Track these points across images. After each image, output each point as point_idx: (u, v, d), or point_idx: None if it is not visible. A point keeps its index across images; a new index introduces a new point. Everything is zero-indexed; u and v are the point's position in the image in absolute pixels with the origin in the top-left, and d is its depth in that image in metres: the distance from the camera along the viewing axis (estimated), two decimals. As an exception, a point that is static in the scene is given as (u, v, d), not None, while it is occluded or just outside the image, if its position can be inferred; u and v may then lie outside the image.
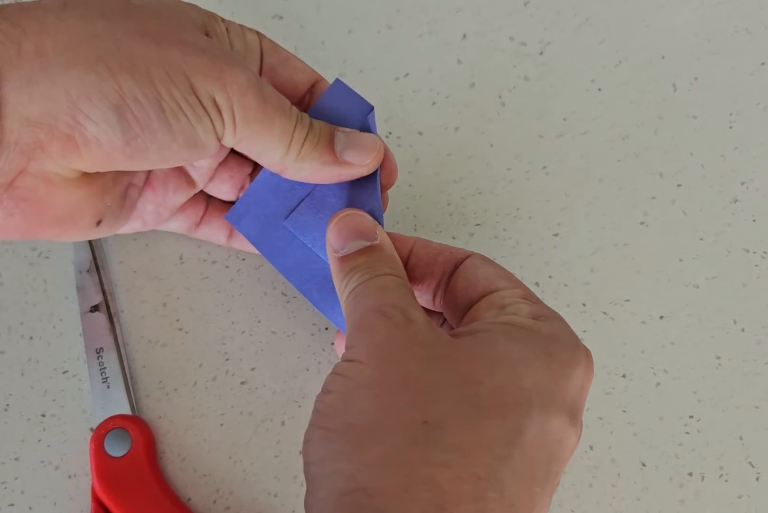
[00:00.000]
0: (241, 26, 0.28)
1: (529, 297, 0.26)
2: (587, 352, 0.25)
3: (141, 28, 0.24)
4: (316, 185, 0.29)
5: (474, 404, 0.21)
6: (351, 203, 0.28)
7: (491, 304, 0.25)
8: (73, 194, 0.25)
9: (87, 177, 0.25)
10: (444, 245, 0.28)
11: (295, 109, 0.26)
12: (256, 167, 0.32)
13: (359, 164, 0.27)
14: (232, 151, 0.31)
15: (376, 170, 0.28)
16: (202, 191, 0.32)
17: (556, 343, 0.24)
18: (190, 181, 0.31)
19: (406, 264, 0.28)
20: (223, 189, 0.32)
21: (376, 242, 0.26)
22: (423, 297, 0.28)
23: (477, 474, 0.21)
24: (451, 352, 0.23)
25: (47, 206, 0.25)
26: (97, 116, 0.23)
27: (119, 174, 0.28)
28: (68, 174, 0.24)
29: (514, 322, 0.24)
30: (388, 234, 0.28)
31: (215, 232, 0.33)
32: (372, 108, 0.28)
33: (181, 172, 0.31)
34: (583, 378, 0.24)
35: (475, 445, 0.21)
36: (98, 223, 0.28)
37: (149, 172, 0.30)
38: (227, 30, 0.28)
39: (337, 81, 0.28)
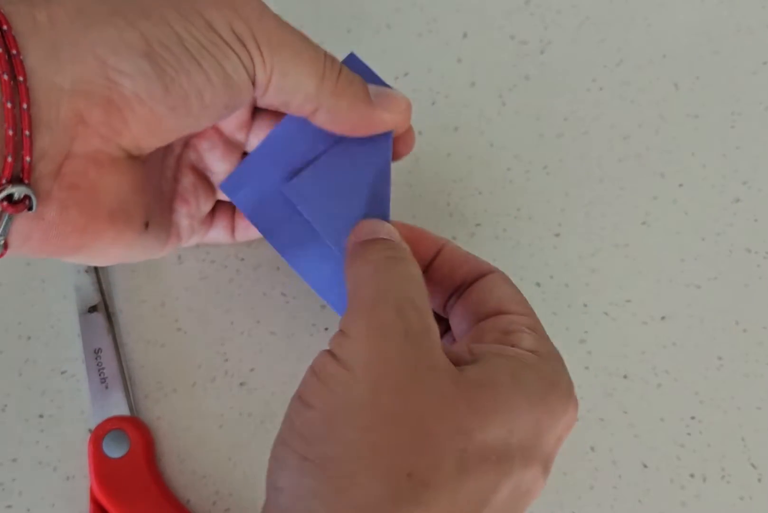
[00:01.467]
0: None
1: (536, 328, 0.25)
2: (576, 404, 0.25)
3: None
4: (321, 155, 0.27)
5: (459, 460, 0.21)
6: (359, 178, 0.27)
7: (496, 325, 0.25)
8: (123, 179, 0.24)
9: (132, 161, 0.24)
10: (472, 255, 0.28)
11: (319, 47, 0.25)
12: None
13: (395, 112, 0.26)
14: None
15: (389, 157, 0.27)
16: None
17: (553, 391, 0.23)
18: (213, 188, 0.31)
19: (431, 263, 0.27)
20: None
21: (396, 241, 0.25)
22: (435, 301, 0.28)
23: None
24: (454, 392, 0.21)
25: (101, 193, 0.23)
26: (130, 68, 0.22)
27: (153, 169, 0.27)
28: (115, 152, 0.23)
29: (520, 359, 0.23)
30: (422, 230, 0.27)
31: (221, 232, 0.32)
32: (389, 88, 0.27)
33: (206, 179, 0.30)
34: (564, 428, 0.24)
35: (452, 505, 0.20)
36: (146, 225, 0.26)
37: (177, 184, 0.29)
38: None
39: (352, 55, 0.27)
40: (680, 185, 0.36)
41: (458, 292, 0.27)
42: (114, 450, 0.31)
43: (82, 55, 0.21)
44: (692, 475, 0.33)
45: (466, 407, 0.21)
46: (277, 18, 0.24)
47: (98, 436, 0.31)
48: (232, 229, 0.32)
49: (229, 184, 0.29)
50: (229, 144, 0.30)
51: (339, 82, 0.25)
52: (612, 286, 0.35)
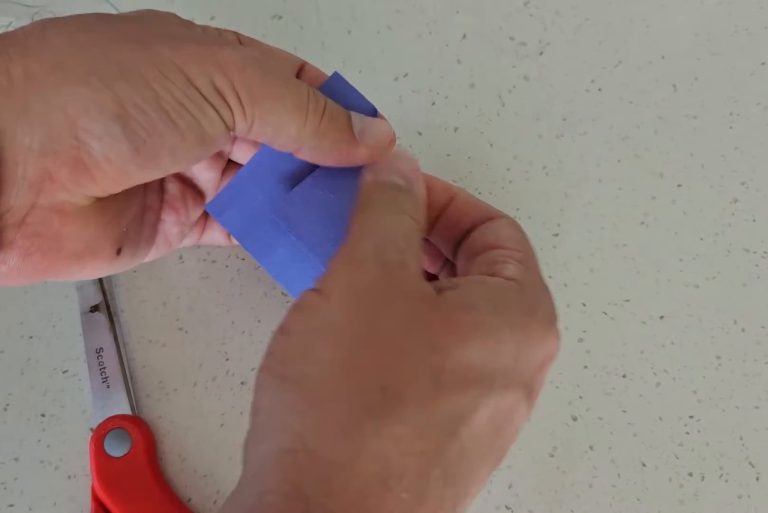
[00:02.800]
0: (217, 29, 0.28)
1: (525, 261, 0.25)
2: (557, 333, 0.24)
3: (124, 34, 0.23)
4: (307, 175, 0.27)
5: (435, 377, 0.21)
6: (346, 196, 0.27)
7: (486, 258, 0.25)
8: (89, 223, 0.24)
9: (100, 203, 0.24)
10: (484, 203, 0.28)
11: (305, 84, 0.25)
12: None
13: (378, 146, 0.26)
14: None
15: None
16: None
17: (533, 315, 0.23)
18: (201, 193, 0.31)
19: (443, 209, 0.27)
20: None
21: (413, 189, 0.25)
22: (445, 245, 0.28)
23: (424, 450, 0.20)
24: (429, 313, 0.22)
25: (64, 240, 0.24)
26: (100, 130, 0.22)
27: (130, 195, 0.27)
28: (81, 201, 0.23)
29: (500, 285, 0.23)
30: (434, 177, 0.27)
31: (217, 234, 0.33)
32: (375, 109, 0.27)
33: (193, 186, 0.31)
34: (546, 355, 0.24)
35: (428, 420, 0.21)
36: (119, 251, 0.27)
37: (164, 193, 0.30)
38: (204, 31, 0.27)
39: (336, 75, 0.27)
40: (679, 185, 0.36)
41: (466, 236, 0.27)
42: (115, 449, 0.31)
43: (53, 114, 0.22)
44: (691, 474, 0.33)
45: (441, 326, 0.21)
46: (260, 69, 0.24)
47: (100, 435, 0.31)
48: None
49: (214, 206, 0.29)
50: (215, 153, 0.30)
51: (322, 123, 0.25)
52: (611, 286, 0.35)
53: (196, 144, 0.24)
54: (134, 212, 0.28)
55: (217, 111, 0.23)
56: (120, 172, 0.23)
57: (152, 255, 0.30)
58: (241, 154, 0.31)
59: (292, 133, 0.25)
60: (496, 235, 0.26)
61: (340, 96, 0.27)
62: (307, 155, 0.26)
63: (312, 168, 0.27)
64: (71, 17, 0.24)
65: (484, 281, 0.24)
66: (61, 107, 0.22)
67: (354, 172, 0.27)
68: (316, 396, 0.20)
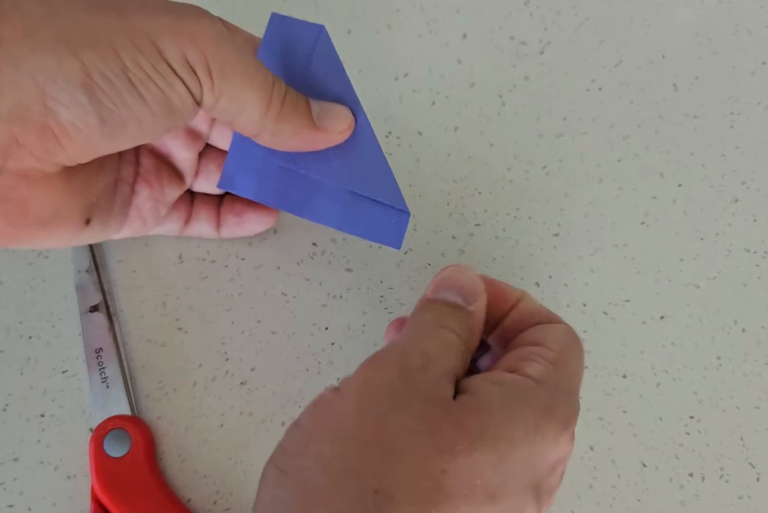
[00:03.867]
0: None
1: (556, 363, 0.24)
2: (571, 437, 0.24)
3: (101, 1, 0.23)
4: None
5: (436, 481, 0.20)
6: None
7: (517, 353, 0.25)
8: (56, 190, 0.25)
9: (68, 171, 0.25)
10: (545, 308, 0.27)
11: (270, 73, 0.25)
12: None
13: (336, 130, 0.27)
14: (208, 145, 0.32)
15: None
16: (186, 190, 0.32)
17: (548, 417, 0.23)
18: (180, 174, 0.31)
19: (506, 314, 0.27)
20: (213, 181, 0.32)
21: (470, 308, 0.25)
22: (500, 347, 0.27)
23: None
24: (440, 415, 0.21)
25: (30, 205, 0.24)
26: (67, 99, 0.22)
27: (102, 165, 0.27)
28: (49, 168, 0.24)
29: (516, 383, 0.23)
30: (501, 283, 0.27)
31: (204, 226, 0.33)
32: (322, 27, 0.28)
33: (169, 164, 0.31)
34: (557, 460, 0.23)
35: None
36: (87, 221, 0.27)
37: (139, 166, 0.30)
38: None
39: (274, 15, 0.28)
40: (679, 185, 0.36)
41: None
42: (115, 449, 0.31)
43: (22, 80, 0.22)
44: (691, 475, 0.33)
45: (451, 429, 0.21)
46: (234, 46, 0.24)
47: (99, 435, 0.31)
48: (217, 224, 0.33)
49: (224, 180, 0.30)
50: (191, 133, 0.30)
51: (283, 108, 0.25)
52: (611, 286, 0.35)
53: (162, 116, 0.24)
54: (106, 183, 0.28)
55: (185, 84, 0.23)
56: (87, 140, 0.23)
57: (126, 231, 0.30)
58: (220, 139, 0.31)
59: (254, 116, 0.25)
60: (543, 334, 0.25)
61: (287, 33, 0.28)
62: (267, 140, 0.27)
63: None
64: None
65: (499, 380, 0.23)
66: (31, 74, 0.22)
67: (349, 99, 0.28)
68: (310, 495, 0.20)
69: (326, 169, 0.28)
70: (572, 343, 0.26)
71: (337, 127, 0.27)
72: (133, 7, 0.23)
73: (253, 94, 0.25)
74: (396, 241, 0.29)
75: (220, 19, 0.27)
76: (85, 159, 0.24)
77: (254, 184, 0.30)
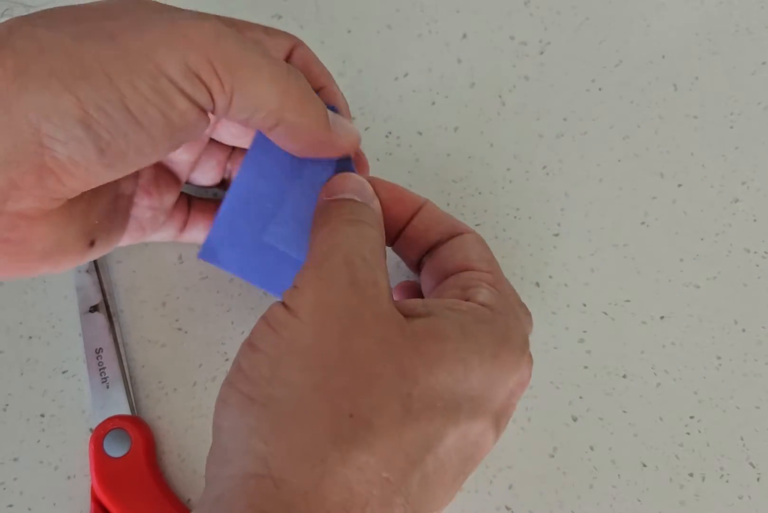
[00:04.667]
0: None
1: (496, 284, 0.25)
2: (530, 360, 0.24)
3: (90, 27, 0.22)
4: (286, 195, 0.28)
5: (404, 404, 0.21)
6: None
7: (457, 282, 0.25)
8: (57, 224, 0.24)
9: (68, 202, 0.24)
10: (450, 216, 0.28)
11: (281, 59, 0.25)
12: (234, 148, 0.32)
13: (347, 140, 0.26)
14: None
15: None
16: (183, 195, 0.32)
17: (505, 344, 0.23)
18: (176, 176, 0.31)
19: (408, 222, 0.27)
20: (208, 176, 0.32)
21: (370, 204, 0.26)
22: (409, 258, 0.28)
23: (388, 478, 0.20)
24: (399, 339, 0.22)
25: (32, 242, 0.24)
26: (63, 135, 0.21)
27: (100, 188, 0.26)
28: (49, 206, 0.23)
29: (472, 312, 0.23)
30: (402, 189, 0.27)
31: (201, 234, 0.32)
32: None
33: (167, 169, 0.30)
34: (517, 383, 0.24)
35: (393, 448, 0.21)
36: (91, 243, 0.26)
37: (138, 178, 0.29)
38: (179, 11, 0.26)
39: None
40: (679, 185, 0.36)
41: (431, 251, 0.27)
42: (115, 449, 0.31)
43: (16, 122, 0.21)
44: (691, 475, 0.33)
45: (411, 352, 0.21)
46: (235, 36, 0.23)
47: (99, 435, 0.31)
48: None
49: (206, 252, 0.29)
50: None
51: (303, 99, 0.25)
52: (611, 286, 0.35)
53: (164, 139, 0.23)
54: (106, 202, 0.27)
55: (190, 98, 0.23)
56: (88, 173, 0.23)
57: (125, 240, 0.30)
58: (224, 133, 0.30)
59: (272, 106, 0.24)
60: (465, 255, 0.26)
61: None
62: (281, 134, 0.25)
63: (287, 189, 0.28)
64: (37, 14, 0.23)
65: (456, 308, 0.24)
66: (24, 115, 0.21)
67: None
68: (283, 421, 0.20)
69: None
70: (492, 254, 0.27)
71: (348, 136, 0.26)
72: (122, 25, 0.22)
73: (268, 83, 0.23)
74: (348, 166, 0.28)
75: (218, 17, 0.27)
76: (86, 189, 0.24)
77: (238, 259, 0.28)
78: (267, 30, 0.28)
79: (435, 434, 0.21)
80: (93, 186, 0.24)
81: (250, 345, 0.22)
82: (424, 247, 0.27)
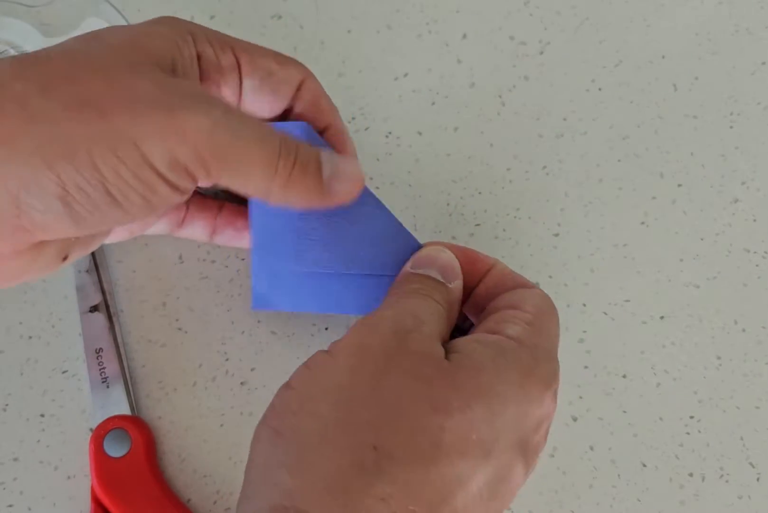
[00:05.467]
0: (215, 47, 0.26)
1: (533, 323, 0.25)
2: (554, 396, 0.25)
3: (84, 95, 0.22)
4: (298, 223, 0.28)
5: (434, 438, 0.21)
6: (358, 222, 0.28)
7: (496, 317, 0.25)
8: (29, 257, 0.24)
9: (41, 242, 0.24)
10: (519, 275, 0.28)
11: (276, 136, 0.24)
12: None
13: (344, 195, 0.26)
14: None
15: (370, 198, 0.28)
16: None
17: (531, 375, 0.23)
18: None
19: (478, 282, 0.28)
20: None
21: (450, 285, 0.26)
22: (477, 317, 0.28)
23: (415, 511, 0.20)
24: (434, 373, 0.22)
25: (1, 271, 0.24)
26: (40, 206, 0.21)
27: None
28: (20, 248, 0.23)
29: (500, 344, 0.24)
30: (473, 251, 0.28)
31: (198, 231, 0.32)
32: (304, 124, 0.28)
33: None
34: (542, 417, 0.24)
35: (420, 481, 0.20)
36: (65, 258, 0.26)
37: None
38: (199, 55, 0.26)
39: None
40: (679, 185, 0.36)
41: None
42: (115, 449, 0.31)
43: None
44: (691, 475, 0.33)
45: (446, 386, 0.22)
46: (229, 133, 0.23)
47: (99, 435, 0.31)
48: (212, 231, 0.32)
49: (258, 303, 0.30)
50: None
51: (291, 176, 0.24)
52: (611, 286, 0.35)
53: (141, 215, 0.23)
54: None
55: (171, 185, 0.23)
56: (61, 234, 0.23)
57: (110, 239, 0.30)
58: None
59: (260, 186, 0.24)
60: (518, 298, 0.26)
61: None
62: (276, 203, 0.26)
63: (297, 214, 0.28)
64: (34, 66, 0.22)
65: (482, 340, 0.24)
66: (3, 182, 0.21)
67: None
68: (307, 452, 0.20)
69: (354, 261, 0.28)
70: (548, 307, 0.27)
71: (346, 190, 0.26)
72: (117, 104, 0.22)
73: (256, 170, 0.24)
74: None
75: (256, 49, 0.27)
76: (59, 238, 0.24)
77: (288, 296, 0.29)
78: (278, 59, 0.28)
79: (467, 470, 0.21)
80: (64, 238, 0.24)
81: (285, 385, 0.23)
82: (488, 303, 0.28)
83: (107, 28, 0.25)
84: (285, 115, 0.30)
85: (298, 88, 0.29)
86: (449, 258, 0.27)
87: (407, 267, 0.27)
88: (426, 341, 0.23)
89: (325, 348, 0.24)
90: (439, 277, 0.26)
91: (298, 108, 0.29)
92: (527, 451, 0.24)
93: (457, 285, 0.27)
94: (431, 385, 0.22)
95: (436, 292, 0.26)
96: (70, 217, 0.22)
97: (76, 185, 0.21)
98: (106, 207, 0.22)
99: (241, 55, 0.27)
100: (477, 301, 0.28)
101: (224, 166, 0.23)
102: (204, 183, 0.24)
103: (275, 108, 0.29)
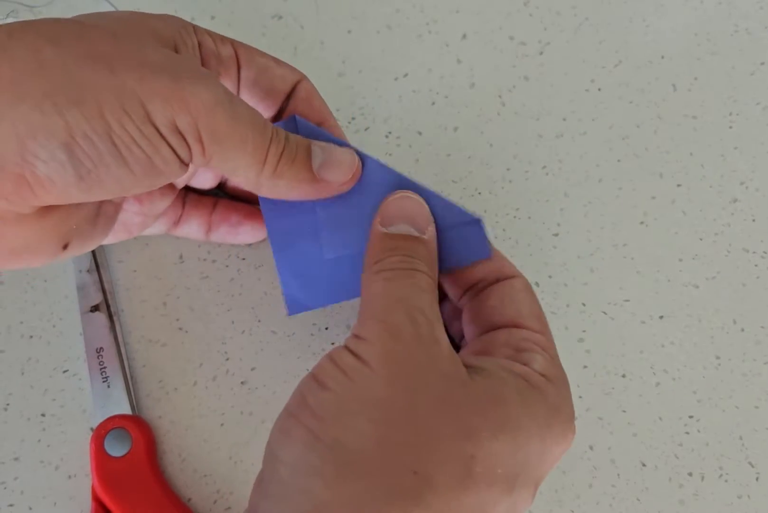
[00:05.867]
0: (215, 39, 0.27)
1: (548, 348, 0.25)
2: (574, 432, 0.25)
3: (94, 52, 0.22)
4: (316, 212, 0.28)
5: (466, 466, 0.21)
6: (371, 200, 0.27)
7: (509, 340, 0.25)
8: (30, 228, 0.24)
9: (44, 208, 0.24)
10: (498, 252, 0.28)
11: (269, 124, 0.25)
12: None
13: (337, 182, 0.26)
14: None
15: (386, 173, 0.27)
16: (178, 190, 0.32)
17: (557, 414, 0.24)
18: (172, 186, 0.30)
19: None
20: (206, 182, 0.32)
21: (424, 236, 0.26)
22: (452, 290, 0.28)
23: None
24: (462, 398, 0.22)
25: (2, 241, 0.23)
26: (46, 155, 0.21)
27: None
28: (23, 210, 0.23)
29: (529, 379, 0.23)
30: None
31: (194, 229, 0.32)
32: (297, 117, 0.28)
33: None
34: (559, 454, 0.24)
35: (452, 509, 0.20)
36: (65, 246, 0.26)
37: None
38: (200, 44, 0.26)
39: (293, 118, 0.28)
40: (678, 185, 0.36)
41: (476, 288, 0.27)
42: (116, 449, 0.31)
43: (5, 130, 0.21)
44: (690, 474, 0.33)
45: (474, 413, 0.22)
46: (228, 112, 0.23)
47: (100, 434, 0.31)
48: (207, 229, 0.32)
49: (293, 307, 0.29)
50: None
51: (280, 164, 0.25)
52: (610, 286, 0.35)
53: (144, 177, 0.23)
54: (90, 207, 0.27)
55: (172, 148, 0.23)
56: (62, 193, 0.23)
57: (108, 240, 0.30)
58: None
59: (249, 176, 0.25)
60: (516, 309, 0.26)
61: (305, 134, 0.27)
62: (267, 194, 0.26)
63: (311, 204, 0.28)
64: (44, 23, 0.23)
65: (512, 370, 0.24)
66: (12, 125, 0.21)
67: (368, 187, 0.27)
68: (347, 468, 0.20)
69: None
70: (539, 305, 0.26)
71: (339, 178, 0.26)
72: (127, 63, 0.22)
73: (247, 157, 0.24)
74: (484, 250, 0.28)
75: (253, 51, 0.27)
76: (58, 204, 0.24)
77: (322, 291, 0.29)
78: (276, 59, 0.29)
79: (490, 501, 0.21)
80: (66, 203, 0.24)
81: (317, 381, 0.22)
82: (469, 282, 0.27)
83: (112, 10, 0.25)
84: (278, 116, 0.30)
85: (293, 88, 0.29)
86: (414, 204, 0.26)
87: (377, 225, 0.26)
88: (449, 358, 0.23)
89: (326, 347, 0.24)
90: (413, 232, 0.26)
91: (292, 105, 0.29)
92: (539, 483, 0.24)
93: (431, 233, 0.26)
94: (460, 411, 0.21)
95: (418, 258, 0.25)
96: (73, 169, 0.22)
97: (83, 132, 0.21)
98: (111, 160, 0.22)
99: (239, 49, 0.28)
100: (453, 276, 0.28)
101: (216, 148, 0.23)
102: (199, 161, 0.24)
103: (270, 104, 0.29)
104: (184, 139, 0.23)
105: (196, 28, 0.26)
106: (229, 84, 0.28)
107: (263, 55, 0.28)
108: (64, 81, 0.21)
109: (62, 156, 0.21)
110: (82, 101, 0.21)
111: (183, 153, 0.23)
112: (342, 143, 0.27)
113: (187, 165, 0.24)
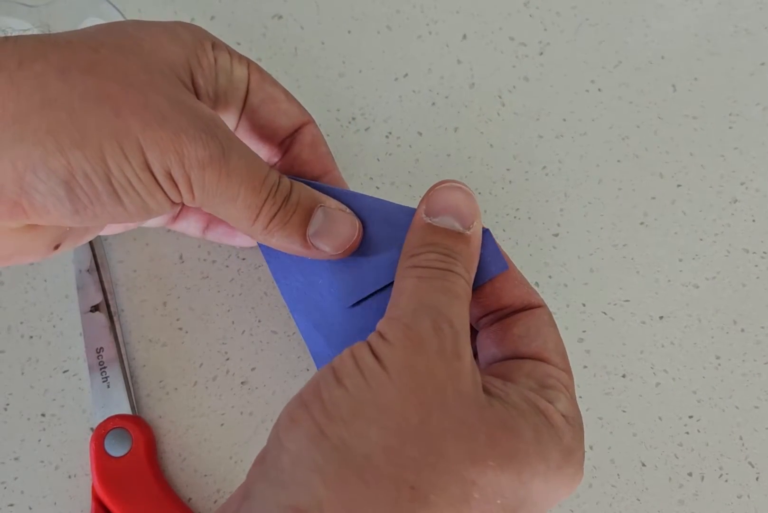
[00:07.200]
0: (233, 58, 0.27)
1: (570, 388, 0.25)
2: (582, 476, 0.24)
3: (102, 90, 0.22)
4: (320, 273, 0.28)
5: (465, 491, 0.21)
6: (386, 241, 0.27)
7: (533, 373, 0.25)
8: (22, 237, 0.24)
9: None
10: (525, 280, 0.27)
11: (271, 180, 0.25)
12: None
13: (328, 253, 0.26)
14: None
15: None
16: None
17: (570, 457, 0.23)
18: None
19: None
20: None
21: (468, 233, 0.25)
22: (474, 312, 0.27)
23: None
24: (476, 421, 0.21)
25: None
26: (45, 189, 0.22)
27: None
28: (14, 225, 0.23)
29: (550, 417, 0.23)
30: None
31: (192, 225, 0.32)
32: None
33: None
34: (564, 496, 0.24)
35: None
36: (56, 247, 0.26)
37: None
38: (216, 61, 0.26)
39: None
40: (678, 186, 0.36)
41: (499, 313, 0.27)
42: (116, 448, 0.31)
43: (2, 165, 0.21)
44: (690, 474, 0.33)
45: (485, 440, 0.21)
46: (220, 171, 0.23)
47: (100, 434, 0.31)
48: (205, 226, 0.32)
49: (321, 363, 0.28)
50: None
51: (272, 224, 0.25)
52: (610, 286, 0.35)
53: (137, 215, 0.24)
54: None
55: (166, 194, 0.24)
56: (57, 220, 0.23)
57: (105, 232, 0.30)
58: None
59: (241, 227, 0.25)
60: (543, 343, 0.26)
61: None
62: (262, 242, 0.26)
63: (319, 266, 0.28)
64: (55, 49, 0.22)
65: (535, 404, 0.23)
66: (11, 160, 0.21)
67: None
68: (347, 471, 0.20)
69: (390, 266, 0.26)
70: (563, 346, 0.26)
71: (331, 249, 0.26)
72: (132, 107, 0.22)
73: (238, 213, 0.25)
74: (501, 263, 0.26)
75: (266, 81, 0.27)
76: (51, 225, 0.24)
77: (346, 339, 0.28)
78: (288, 94, 0.29)
79: None
80: (59, 225, 0.24)
81: (335, 376, 0.22)
82: (495, 306, 0.27)
83: (132, 22, 0.25)
84: (278, 152, 0.30)
85: (298, 130, 0.29)
86: (463, 195, 0.25)
87: (421, 213, 0.25)
88: (469, 379, 0.22)
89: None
90: (458, 227, 0.25)
91: (296, 149, 0.29)
92: None
93: (476, 228, 0.25)
94: (472, 436, 0.21)
95: (457, 259, 0.24)
96: (71, 204, 0.22)
97: (84, 172, 0.22)
98: (108, 200, 0.23)
99: (254, 73, 0.28)
100: (477, 299, 0.27)
101: (206, 200, 0.24)
102: (191, 205, 0.25)
103: (269, 138, 0.29)
104: (177, 189, 0.24)
105: (215, 44, 0.26)
106: (232, 109, 0.28)
107: (275, 85, 0.28)
108: (68, 120, 0.22)
109: (61, 192, 0.22)
110: (85, 143, 0.22)
111: (175, 197, 0.24)
112: (343, 193, 0.27)
113: (179, 204, 0.25)
